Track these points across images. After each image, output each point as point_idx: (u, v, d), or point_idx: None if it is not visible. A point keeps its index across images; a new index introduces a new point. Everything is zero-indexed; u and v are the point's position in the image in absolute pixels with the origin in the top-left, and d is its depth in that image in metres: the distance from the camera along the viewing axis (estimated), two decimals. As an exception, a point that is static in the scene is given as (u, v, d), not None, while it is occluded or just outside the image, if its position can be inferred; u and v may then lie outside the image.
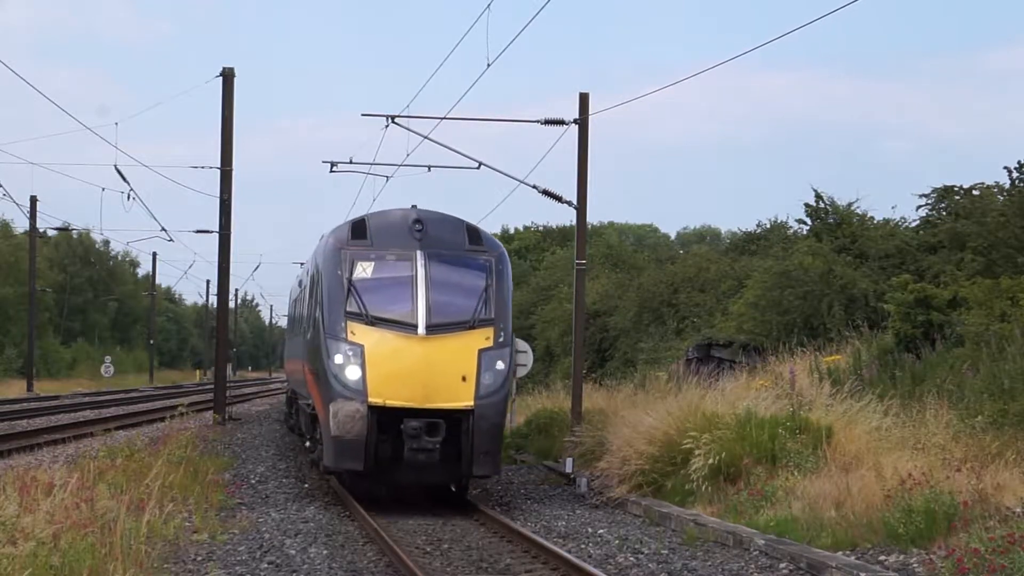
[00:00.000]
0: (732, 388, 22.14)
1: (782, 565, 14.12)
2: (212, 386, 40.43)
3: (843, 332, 27.40)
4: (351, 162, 30.73)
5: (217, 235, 36.34)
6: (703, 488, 17.95)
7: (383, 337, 18.88)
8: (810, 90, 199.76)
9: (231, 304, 79.78)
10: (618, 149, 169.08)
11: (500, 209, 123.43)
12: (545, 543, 15.57)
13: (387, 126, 26.23)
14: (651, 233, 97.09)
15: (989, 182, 31.13)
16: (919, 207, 33.92)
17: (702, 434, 18.34)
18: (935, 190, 33.23)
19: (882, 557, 13.65)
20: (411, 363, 18.72)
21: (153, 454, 20.60)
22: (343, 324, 18.98)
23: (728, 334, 31.58)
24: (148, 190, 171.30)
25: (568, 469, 22.72)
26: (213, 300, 75.29)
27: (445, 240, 19.92)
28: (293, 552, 14.92)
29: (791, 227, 41.19)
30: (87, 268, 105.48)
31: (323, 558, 14.59)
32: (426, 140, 26.62)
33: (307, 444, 23.74)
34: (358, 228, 20.10)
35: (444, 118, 26.64)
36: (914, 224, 34.31)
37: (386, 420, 18.61)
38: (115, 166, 39.05)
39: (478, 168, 26.74)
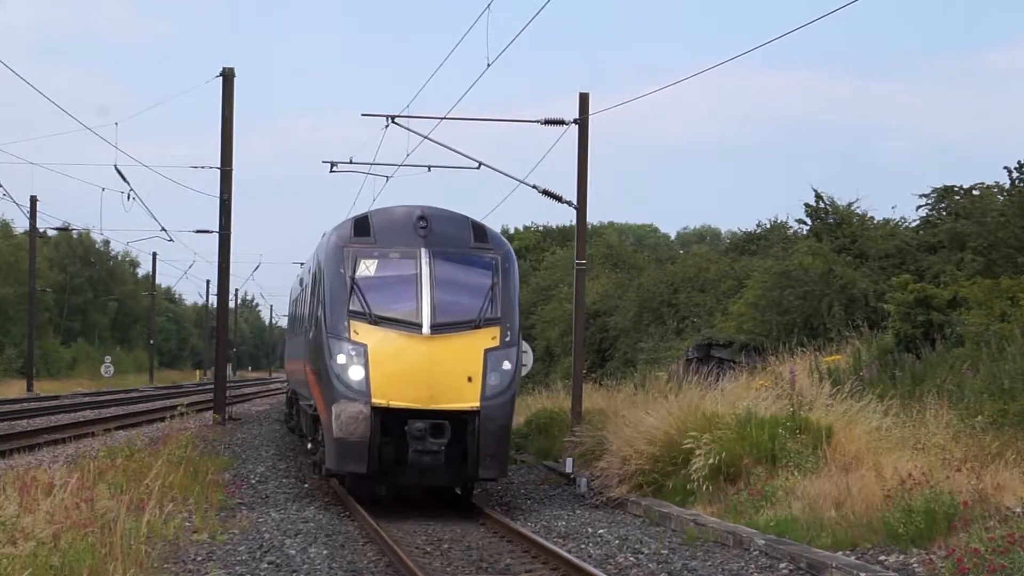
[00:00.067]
0: (732, 388, 22.13)
1: (782, 565, 14.12)
2: (212, 386, 40.42)
3: (843, 332, 27.41)
4: (351, 162, 30.75)
5: (217, 235, 36.34)
6: (703, 488, 17.93)
7: (387, 336, 18.54)
8: (810, 90, 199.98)
9: (231, 304, 79.79)
10: (618, 149, 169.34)
11: (500, 209, 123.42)
12: (545, 543, 15.57)
13: (387, 126, 26.22)
14: (651, 233, 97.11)
15: (989, 182, 31.18)
16: (919, 207, 33.99)
17: (702, 434, 18.32)
18: (935, 190, 33.25)
19: (882, 557, 13.65)
20: (415, 363, 18.39)
21: (153, 454, 20.59)
22: (346, 323, 18.64)
23: (728, 334, 31.58)
24: (148, 190, 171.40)
25: (568, 469, 22.71)
26: (213, 300, 75.34)
27: (450, 237, 19.57)
28: (293, 552, 14.92)
29: (791, 227, 41.24)
30: (87, 268, 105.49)
31: (323, 558, 14.59)
32: (426, 140, 26.64)
33: (308, 446, 23.40)
34: (361, 225, 19.76)
35: (444, 118, 26.66)
36: (914, 224, 34.34)
37: (390, 421, 18.29)
38: (115, 166, 39.09)
39: (478, 168, 26.74)
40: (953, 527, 13.36)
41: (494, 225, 30.44)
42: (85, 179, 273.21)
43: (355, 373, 18.32)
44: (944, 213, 32.35)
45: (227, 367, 41.46)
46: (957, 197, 31.98)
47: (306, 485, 21.93)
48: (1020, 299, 22.36)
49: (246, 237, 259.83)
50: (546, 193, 25.49)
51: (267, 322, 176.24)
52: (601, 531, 17.17)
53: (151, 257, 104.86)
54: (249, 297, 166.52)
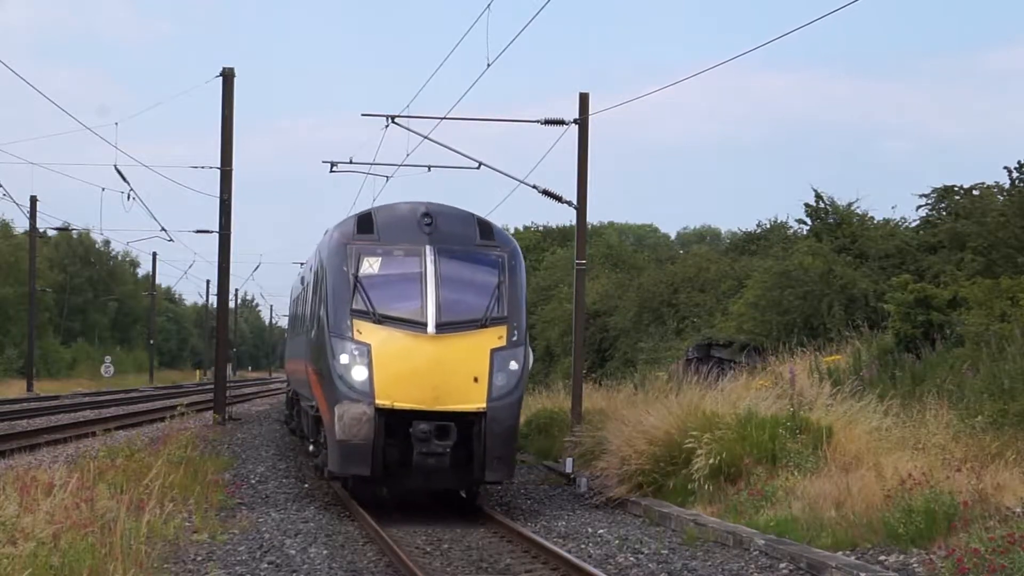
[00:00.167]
0: (732, 388, 22.11)
1: (782, 565, 14.12)
2: (212, 386, 40.42)
3: (843, 332, 27.42)
4: (351, 162, 30.76)
5: (217, 235, 36.33)
6: (703, 488, 17.92)
7: (391, 336, 18.12)
8: (810, 90, 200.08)
9: (231, 304, 79.78)
10: (618, 149, 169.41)
11: (500, 209, 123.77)
12: (545, 543, 15.56)
13: (387, 126, 26.18)
14: (651, 233, 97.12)
15: (989, 182, 31.21)
16: (919, 207, 34.02)
17: (703, 434, 18.30)
18: (935, 190, 33.27)
19: (882, 557, 13.65)
20: (420, 363, 17.97)
21: (153, 454, 20.57)
22: (349, 322, 18.20)
23: (728, 334, 31.58)
24: (148, 190, 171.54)
25: (568, 469, 22.71)
26: (213, 300, 75.27)
27: (455, 235, 19.12)
28: (293, 552, 14.92)
29: (791, 227, 41.28)
30: (87, 268, 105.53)
31: (323, 558, 14.59)
32: (426, 140, 26.63)
33: (310, 448, 22.91)
34: (364, 222, 19.30)
35: (444, 118, 26.64)
36: (914, 224, 34.36)
37: (394, 423, 17.89)
38: (115, 166, 39.12)
39: (478, 168, 26.72)
40: (953, 527, 13.36)
41: (495, 225, 30.32)
42: (85, 179, 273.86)
43: (358, 373, 17.92)
44: (944, 213, 32.37)
45: (227, 367, 41.44)
46: (957, 197, 31.99)
47: (306, 485, 21.93)
48: (1020, 299, 22.36)
49: (246, 237, 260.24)
50: (546, 193, 25.49)
51: (267, 322, 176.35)
52: (601, 531, 17.17)
53: (151, 257, 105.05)
54: (249, 297, 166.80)
